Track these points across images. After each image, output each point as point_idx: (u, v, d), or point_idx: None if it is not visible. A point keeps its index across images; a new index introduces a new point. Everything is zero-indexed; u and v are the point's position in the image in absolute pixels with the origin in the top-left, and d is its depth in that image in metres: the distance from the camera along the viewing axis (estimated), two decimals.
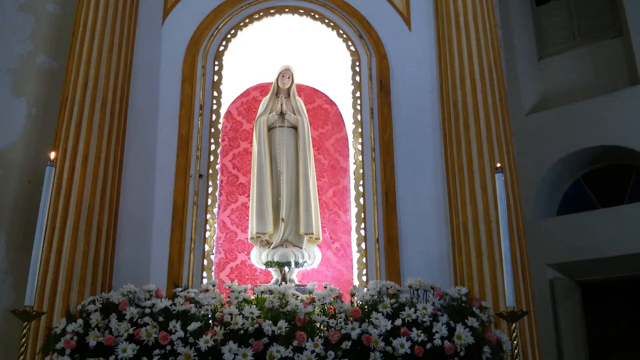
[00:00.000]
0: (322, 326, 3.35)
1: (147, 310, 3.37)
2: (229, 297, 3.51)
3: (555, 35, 7.20)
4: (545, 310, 5.92)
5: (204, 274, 4.25)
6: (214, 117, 4.66)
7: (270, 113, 4.48)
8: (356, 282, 4.39)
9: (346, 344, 3.21)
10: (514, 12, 7.30)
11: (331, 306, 3.49)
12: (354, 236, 4.54)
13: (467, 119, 4.33)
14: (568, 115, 6.44)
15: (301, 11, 4.96)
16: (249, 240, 4.32)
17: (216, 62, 4.80)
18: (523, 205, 4.45)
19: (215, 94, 4.72)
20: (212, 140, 4.61)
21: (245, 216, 4.53)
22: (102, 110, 4.21)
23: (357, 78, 4.85)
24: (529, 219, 6.06)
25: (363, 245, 4.43)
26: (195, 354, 3.15)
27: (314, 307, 3.45)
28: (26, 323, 3.08)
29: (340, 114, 4.99)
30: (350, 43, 4.91)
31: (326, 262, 4.52)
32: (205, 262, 4.29)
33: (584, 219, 6.10)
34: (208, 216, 4.40)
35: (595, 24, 6.92)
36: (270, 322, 3.25)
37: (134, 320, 3.32)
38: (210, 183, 4.51)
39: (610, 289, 6.09)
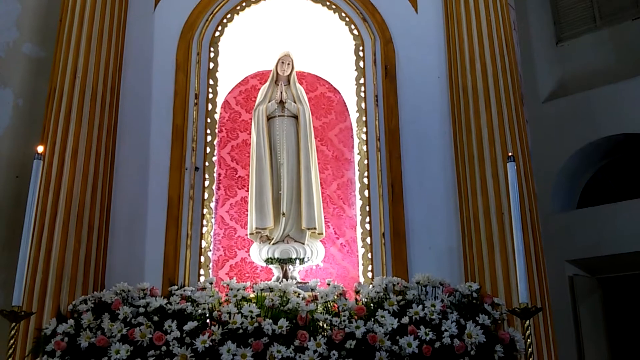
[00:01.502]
0: (325, 325, 3.37)
1: (142, 310, 3.41)
2: (227, 295, 3.54)
3: (575, 17, 7.17)
4: (565, 308, 5.92)
5: (201, 272, 4.30)
6: (210, 106, 4.70)
7: (269, 101, 4.51)
8: (362, 279, 4.43)
9: (350, 343, 3.23)
10: None
11: (334, 304, 3.51)
12: (359, 231, 4.58)
13: (477, 106, 4.35)
14: (588, 102, 6.41)
15: None
16: (248, 236, 4.36)
17: (212, 49, 4.83)
18: (541, 197, 4.46)
19: (211, 82, 4.77)
20: (208, 131, 4.65)
21: (245, 211, 4.56)
22: (92, 101, 4.25)
23: (361, 63, 4.87)
24: (547, 212, 6.05)
25: (368, 240, 4.46)
26: (192, 354, 3.18)
27: (317, 305, 3.48)
28: (14, 324, 3.13)
29: (344, 103, 5.01)
30: (353, 26, 4.94)
31: (331, 259, 4.56)
32: (202, 259, 4.33)
33: (606, 212, 6.08)
34: (205, 211, 4.44)
35: (617, 4, 6.88)
36: (271, 321, 3.28)
37: (128, 320, 3.36)
38: (206, 176, 4.55)
39: (634, 285, 6.08)
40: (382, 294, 3.57)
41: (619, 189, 6.41)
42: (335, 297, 3.53)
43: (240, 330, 3.24)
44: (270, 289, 3.60)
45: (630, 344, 5.96)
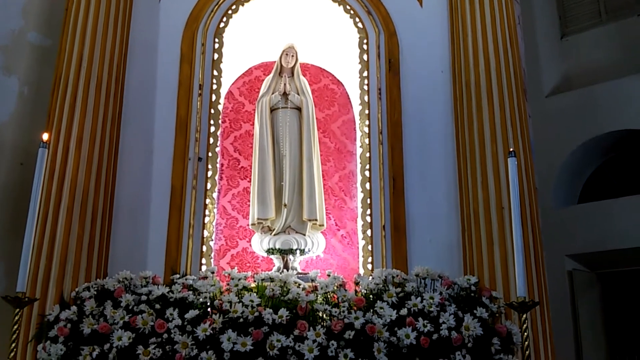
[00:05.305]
0: (324, 315, 3.41)
1: (144, 298, 3.46)
2: (228, 284, 3.59)
3: (580, 11, 7.16)
4: (564, 303, 5.96)
5: (203, 261, 4.34)
6: (213, 97, 4.74)
7: (272, 93, 4.54)
8: (362, 271, 4.47)
9: (349, 334, 3.27)
10: None
11: (334, 295, 3.55)
12: (359, 223, 4.61)
13: (480, 100, 4.37)
14: (592, 97, 6.41)
15: None
16: (249, 227, 4.40)
17: (216, 40, 4.86)
18: (543, 192, 4.47)
19: (216, 73, 4.79)
20: (212, 122, 4.68)
21: (247, 201, 4.60)
22: (97, 90, 4.28)
23: (365, 57, 4.90)
24: (548, 207, 6.07)
25: (369, 232, 4.50)
26: (193, 342, 3.23)
27: (316, 296, 3.52)
28: (18, 310, 3.18)
29: (348, 95, 5.03)
30: (357, 19, 4.96)
31: (332, 250, 4.60)
32: (204, 248, 4.38)
33: (607, 208, 6.10)
34: (207, 201, 4.49)
35: (623, 0, 6.88)
36: (271, 310, 3.32)
37: (130, 307, 3.42)
38: (209, 166, 4.59)
39: (633, 281, 6.11)
40: (381, 285, 3.61)
41: (621, 184, 6.43)
42: (335, 288, 3.56)
43: (241, 319, 3.29)
44: (271, 279, 3.64)
45: (628, 338, 6.00)
